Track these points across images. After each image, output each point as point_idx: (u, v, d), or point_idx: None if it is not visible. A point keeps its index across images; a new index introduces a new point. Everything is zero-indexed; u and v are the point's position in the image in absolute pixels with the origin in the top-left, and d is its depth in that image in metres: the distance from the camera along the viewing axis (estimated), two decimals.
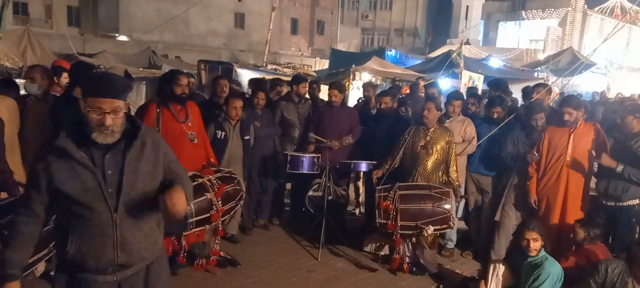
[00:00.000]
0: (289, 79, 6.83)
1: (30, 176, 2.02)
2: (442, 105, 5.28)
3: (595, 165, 4.34)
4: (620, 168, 4.03)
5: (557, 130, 4.46)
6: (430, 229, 4.27)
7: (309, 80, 6.47)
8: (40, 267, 3.76)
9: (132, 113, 4.59)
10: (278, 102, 5.85)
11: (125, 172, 1.96)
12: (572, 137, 4.36)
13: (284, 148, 5.54)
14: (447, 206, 4.32)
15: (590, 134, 4.36)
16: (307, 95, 6.07)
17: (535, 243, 3.68)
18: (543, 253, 3.70)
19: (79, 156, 1.92)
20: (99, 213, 1.96)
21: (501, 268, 3.89)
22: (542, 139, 4.50)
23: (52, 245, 3.05)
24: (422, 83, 8.38)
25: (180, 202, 1.96)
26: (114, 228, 1.98)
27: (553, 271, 3.58)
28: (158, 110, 3.99)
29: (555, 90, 7.19)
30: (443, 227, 4.39)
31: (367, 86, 7.29)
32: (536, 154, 4.46)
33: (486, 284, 3.91)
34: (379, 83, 11.53)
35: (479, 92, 7.93)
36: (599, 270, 3.37)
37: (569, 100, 4.52)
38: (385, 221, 4.37)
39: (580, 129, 4.37)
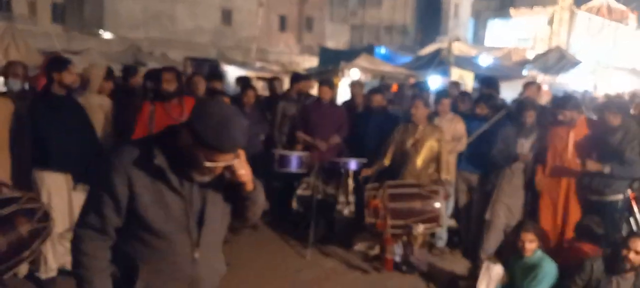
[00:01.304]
0: (277, 76, 6.79)
1: (103, 190, 1.65)
2: (431, 103, 5.27)
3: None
4: (607, 169, 4.03)
5: (556, 129, 4.49)
6: (420, 228, 4.24)
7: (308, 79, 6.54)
8: (23, 269, 3.67)
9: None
10: (278, 100, 5.88)
11: (208, 202, 1.73)
12: (571, 135, 4.38)
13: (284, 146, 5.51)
14: (436, 204, 4.30)
15: (589, 130, 4.38)
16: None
17: (531, 245, 3.68)
18: (539, 253, 3.70)
19: (173, 179, 1.65)
20: (178, 248, 1.71)
21: (495, 268, 3.86)
22: (544, 138, 4.53)
23: (36, 244, 2.96)
24: (412, 81, 8.37)
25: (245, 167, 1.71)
26: (193, 265, 1.74)
27: (550, 270, 3.59)
28: (152, 106, 3.96)
29: (545, 88, 7.21)
30: (432, 225, 4.37)
31: (353, 84, 7.25)
32: (528, 154, 4.46)
33: (477, 283, 3.88)
34: (368, 81, 11.47)
35: (470, 90, 7.93)
36: (584, 268, 3.39)
37: (564, 101, 4.56)
38: (374, 220, 4.32)
39: (579, 126, 4.39)
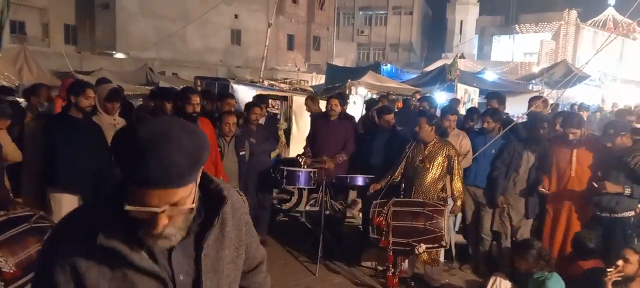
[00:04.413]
0: (286, 94, 6.87)
1: None
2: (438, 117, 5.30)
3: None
4: (628, 191, 3.98)
5: (560, 146, 4.49)
6: (422, 247, 4.20)
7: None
8: None
9: None
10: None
11: (203, 271, 1.21)
12: (575, 152, 4.37)
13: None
14: (440, 224, 4.21)
15: (593, 148, 4.35)
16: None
17: (521, 266, 3.75)
18: (544, 272, 3.68)
19: (137, 259, 1.12)
20: None
21: (503, 284, 3.86)
22: (549, 156, 4.54)
23: None
24: (417, 96, 8.44)
25: None
26: None
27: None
28: None
29: (550, 101, 7.25)
30: (435, 246, 4.28)
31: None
32: (545, 188, 4.48)
33: None
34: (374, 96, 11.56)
35: (476, 105, 7.97)
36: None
37: (570, 119, 4.44)
38: (378, 236, 4.34)
39: (583, 143, 4.37)
